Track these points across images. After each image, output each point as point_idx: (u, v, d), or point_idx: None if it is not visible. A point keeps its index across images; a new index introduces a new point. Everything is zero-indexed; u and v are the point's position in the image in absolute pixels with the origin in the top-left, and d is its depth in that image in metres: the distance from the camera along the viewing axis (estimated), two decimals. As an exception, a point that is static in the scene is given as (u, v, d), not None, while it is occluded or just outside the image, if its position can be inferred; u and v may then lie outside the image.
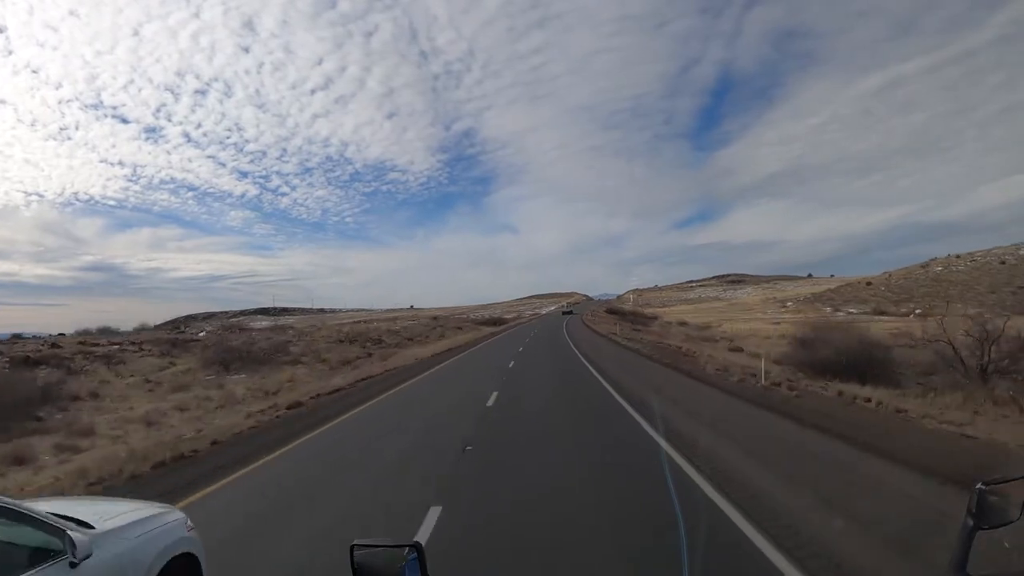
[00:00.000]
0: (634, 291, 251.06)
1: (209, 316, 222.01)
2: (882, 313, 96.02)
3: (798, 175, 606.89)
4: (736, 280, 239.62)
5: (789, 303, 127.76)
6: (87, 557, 2.67)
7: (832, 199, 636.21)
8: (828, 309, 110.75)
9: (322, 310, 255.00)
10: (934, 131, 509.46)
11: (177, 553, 3.35)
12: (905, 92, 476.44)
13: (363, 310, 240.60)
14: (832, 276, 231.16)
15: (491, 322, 65.40)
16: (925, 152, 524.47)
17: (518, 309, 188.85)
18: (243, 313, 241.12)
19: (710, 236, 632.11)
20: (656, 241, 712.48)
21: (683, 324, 72.87)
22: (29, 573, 2.43)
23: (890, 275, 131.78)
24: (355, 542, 1.58)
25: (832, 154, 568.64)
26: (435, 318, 59.83)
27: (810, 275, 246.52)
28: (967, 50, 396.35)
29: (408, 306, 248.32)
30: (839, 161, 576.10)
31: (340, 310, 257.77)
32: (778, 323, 79.84)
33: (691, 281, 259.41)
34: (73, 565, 2.59)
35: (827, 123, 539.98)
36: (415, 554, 1.50)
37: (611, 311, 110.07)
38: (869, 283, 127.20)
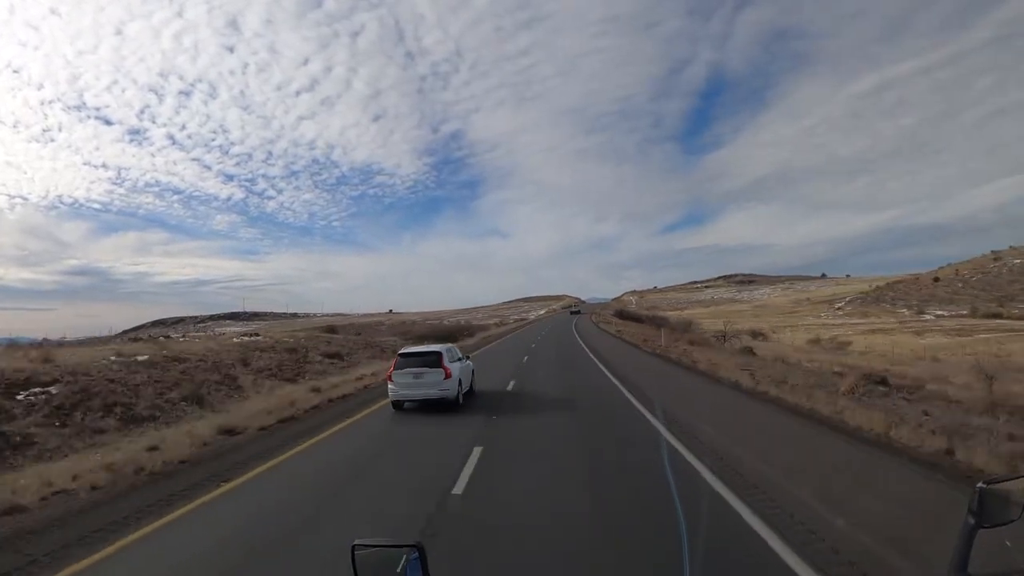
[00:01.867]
0: (632, 292, 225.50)
1: (178, 321, 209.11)
2: (994, 316, 70.90)
3: (788, 178, 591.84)
4: (746, 280, 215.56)
5: (839, 304, 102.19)
6: (468, 360, 14.59)
7: (822, 202, 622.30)
8: (905, 311, 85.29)
9: (295, 314, 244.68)
10: (924, 134, 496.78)
11: (472, 368, 14.85)
12: (896, 94, 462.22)
13: (339, 315, 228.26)
14: (848, 276, 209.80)
15: (452, 334, 40.57)
16: (915, 155, 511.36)
17: (502, 313, 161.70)
18: (212, 318, 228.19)
19: (700, 240, 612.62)
20: (646, 244, 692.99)
21: (758, 335, 46.08)
22: (462, 360, 13.81)
23: (957, 270, 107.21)
24: (356, 542, 1.52)
25: (822, 157, 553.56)
26: (331, 329, 32.68)
27: (824, 275, 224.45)
28: (958, 52, 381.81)
29: (387, 310, 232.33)
30: (829, 164, 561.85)
31: (315, 315, 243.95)
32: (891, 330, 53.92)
33: (695, 282, 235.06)
34: (467, 360, 14.40)
35: (817, 125, 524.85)
36: (416, 554, 1.47)
37: (622, 315, 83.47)
38: (937, 279, 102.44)
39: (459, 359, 13.56)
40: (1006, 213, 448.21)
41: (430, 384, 12.11)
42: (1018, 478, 1.65)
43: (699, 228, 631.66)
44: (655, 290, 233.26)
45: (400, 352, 13.13)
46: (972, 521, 1.55)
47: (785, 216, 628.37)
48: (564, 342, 32.35)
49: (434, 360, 12.31)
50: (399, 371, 12.33)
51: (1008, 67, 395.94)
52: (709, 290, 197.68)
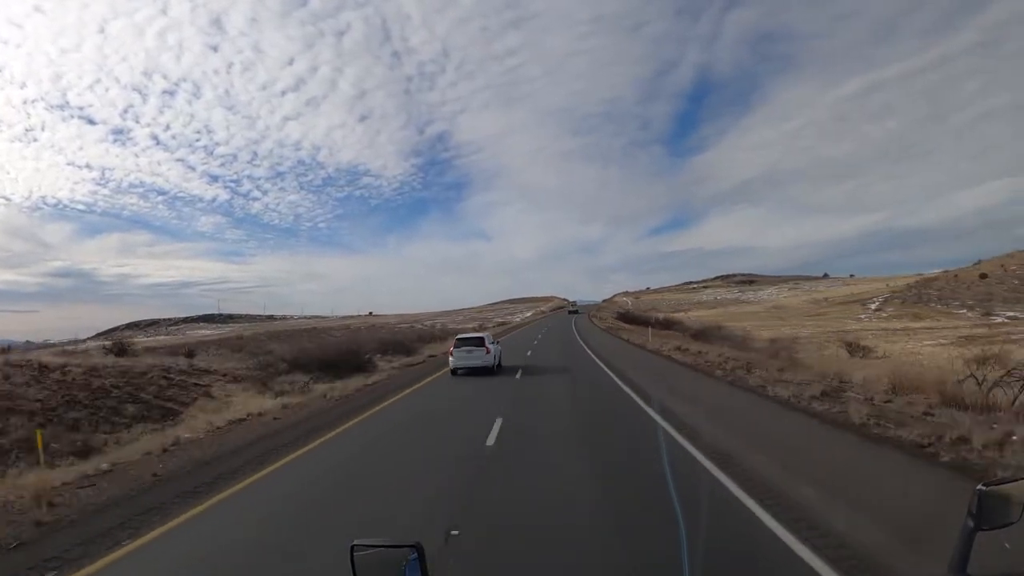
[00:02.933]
0: (625, 293, 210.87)
1: (152, 323, 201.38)
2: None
3: (774, 181, 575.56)
4: (746, 280, 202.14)
5: (874, 304, 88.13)
6: (497, 343, 21.54)
7: (807, 205, 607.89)
8: (966, 312, 71.21)
9: (271, 317, 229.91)
10: (911, 137, 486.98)
11: (500, 350, 21.65)
12: (883, 97, 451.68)
13: (317, 317, 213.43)
14: (852, 276, 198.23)
15: (352, 355, 23.12)
16: (902, 158, 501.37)
17: (485, 316, 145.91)
18: (186, 320, 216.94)
19: (686, 243, 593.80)
20: (631, 248, 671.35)
21: (857, 349, 31.02)
22: (495, 344, 20.82)
23: (1003, 265, 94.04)
24: (355, 542, 1.50)
25: (809, 159, 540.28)
26: (188, 353, 16.73)
27: (826, 274, 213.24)
28: (945, 55, 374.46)
29: (367, 312, 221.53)
30: (815, 167, 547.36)
31: (292, 317, 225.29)
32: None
33: (690, 282, 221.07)
34: (497, 344, 21.39)
35: (804, 128, 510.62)
36: (415, 554, 1.45)
37: (628, 318, 68.16)
38: (984, 275, 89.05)
39: (493, 343, 20.38)
40: (991, 216, 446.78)
41: (476, 357, 18.74)
42: (1017, 480, 1.60)
43: (684, 231, 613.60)
44: (648, 291, 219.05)
45: (457, 337, 20.42)
46: (971, 523, 1.52)
47: (771, 219, 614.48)
48: (591, 395, 14.13)
49: (479, 342, 19.22)
50: (457, 349, 19.23)
51: (994, 71, 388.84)
52: (708, 290, 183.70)
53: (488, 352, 18.68)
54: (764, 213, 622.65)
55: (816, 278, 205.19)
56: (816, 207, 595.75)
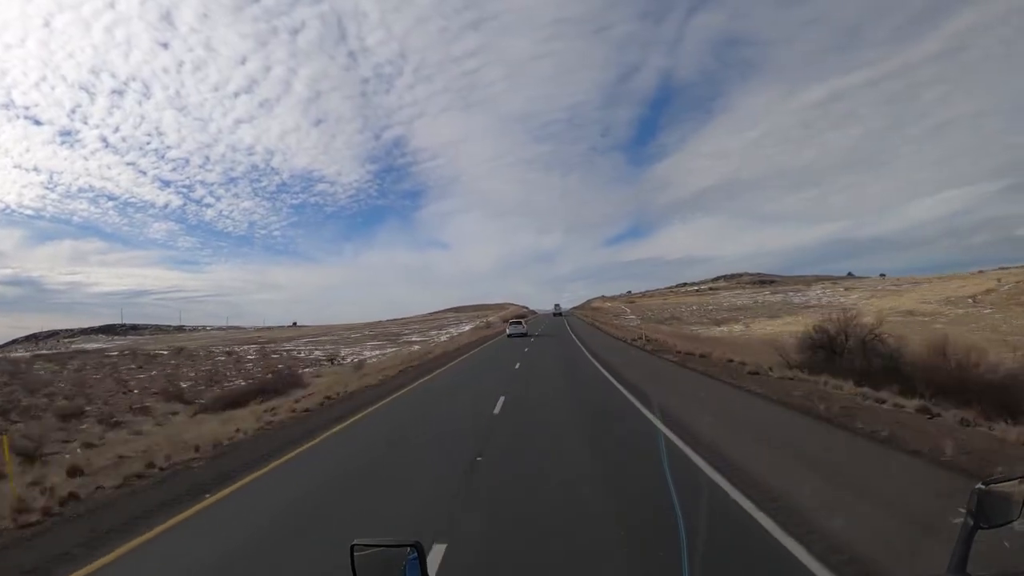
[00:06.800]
0: (601, 298, 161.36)
1: (52, 335, 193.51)
2: None
3: (733, 189, 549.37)
4: (763, 281, 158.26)
5: None
6: (527, 323, 61.71)
7: (766, 214, 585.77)
8: None
9: (182, 327, 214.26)
10: (871, 145, 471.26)
11: (527, 327, 57.08)
12: (845, 106, 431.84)
13: (236, 328, 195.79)
14: (883, 275, 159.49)
15: None
16: (863, 166, 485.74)
17: (410, 328, 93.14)
18: (84, 332, 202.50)
19: (644, 252, 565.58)
20: (590, 257, 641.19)
21: None
22: (526, 325, 56.98)
23: None
24: (355, 542, 1.50)
25: (769, 168, 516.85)
26: None
27: (850, 274, 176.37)
28: (907, 64, 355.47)
29: (291, 323, 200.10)
30: (775, 175, 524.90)
31: (205, 327, 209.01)
32: None
33: (685, 284, 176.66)
34: (527, 323, 61.74)
35: (765, 136, 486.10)
36: (415, 553, 1.45)
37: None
38: None
39: (526, 324, 56.60)
40: (951, 224, 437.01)
41: (520, 328, 49.74)
42: (1016, 479, 1.58)
43: (643, 240, 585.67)
44: (630, 295, 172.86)
45: (509, 321, 58.74)
46: (971, 522, 1.50)
47: (729, 227, 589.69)
48: None
49: (521, 321, 55.30)
50: (510, 326, 51.65)
51: (955, 80, 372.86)
52: (724, 292, 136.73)
53: (524, 327, 49.02)
54: (723, 221, 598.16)
55: (842, 277, 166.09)
56: (776, 216, 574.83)
